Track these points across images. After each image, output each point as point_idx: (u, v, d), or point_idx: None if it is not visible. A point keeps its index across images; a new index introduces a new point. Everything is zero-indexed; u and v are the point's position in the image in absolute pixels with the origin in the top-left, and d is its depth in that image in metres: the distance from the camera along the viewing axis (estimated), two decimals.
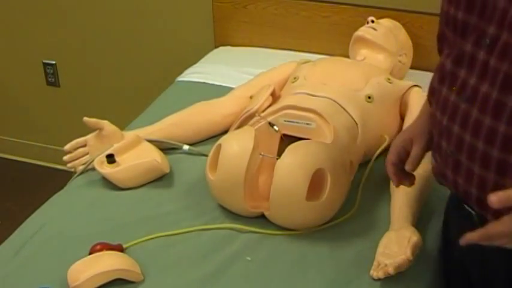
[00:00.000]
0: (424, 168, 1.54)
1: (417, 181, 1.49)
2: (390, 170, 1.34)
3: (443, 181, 1.20)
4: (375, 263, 1.32)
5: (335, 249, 1.40)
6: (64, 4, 2.64)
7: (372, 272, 1.31)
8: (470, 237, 1.00)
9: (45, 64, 2.82)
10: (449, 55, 1.13)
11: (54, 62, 2.81)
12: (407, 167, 1.32)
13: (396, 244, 1.32)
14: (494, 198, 0.93)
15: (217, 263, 1.36)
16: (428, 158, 1.55)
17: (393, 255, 1.30)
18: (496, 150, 1.04)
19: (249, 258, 1.38)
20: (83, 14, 2.64)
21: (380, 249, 1.33)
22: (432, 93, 1.20)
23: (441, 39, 1.20)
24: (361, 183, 1.57)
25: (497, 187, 1.03)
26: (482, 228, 0.99)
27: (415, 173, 1.51)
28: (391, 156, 1.34)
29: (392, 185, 1.53)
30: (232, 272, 1.34)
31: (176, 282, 1.32)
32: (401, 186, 1.48)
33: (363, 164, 1.63)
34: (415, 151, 1.32)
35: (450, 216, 1.33)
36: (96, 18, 2.63)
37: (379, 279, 1.30)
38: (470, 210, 1.16)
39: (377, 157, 1.62)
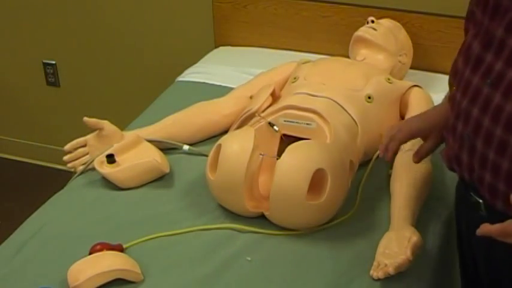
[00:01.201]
0: (424, 168, 1.54)
1: (417, 181, 1.50)
2: (393, 147, 1.33)
3: (455, 166, 1.19)
4: (375, 263, 1.32)
5: (335, 249, 1.40)
6: (64, 4, 2.64)
7: (371, 272, 1.31)
8: (487, 229, 0.99)
9: (45, 64, 2.82)
10: (476, 36, 1.12)
11: (54, 62, 2.80)
12: (415, 159, 1.35)
13: (396, 244, 1.32)
14: None
15: (217, 263, 1.36)
16: (427, 158, 1.56)
17: (393, 255, 1.30)
18: None
19: (249, 259, 1.38)
20: (82, 14, 2.64)
21: (380, 249, 1.33)
22: (455, 74, 1.18)
23: (469, 18, 1.18)
24: (361, 183, 1.57)
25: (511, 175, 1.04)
26: (502, 223, 0.98)
27: (415, 174, 1.51)
28: (401, 137, 1.32)
29: (392, 185, 1.53)
30: (232, 272, 1.34)
31: (176, 282, 1.32)
32: (402, 187, 1.49)
33: (363, 164, 1.63)
34: (429, 146, 1.34)
35: (459, 208, 1.34)
36: (96, 18, 2.62)
37: (379, 280, 1.30)
38: (477, 199, 1.15)
39: (377, 157, 1.62)
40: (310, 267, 1.35)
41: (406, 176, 1.53)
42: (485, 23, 1.09)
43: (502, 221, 1.00)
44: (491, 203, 1.12)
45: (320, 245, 1.41)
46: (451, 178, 1.49)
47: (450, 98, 1.20)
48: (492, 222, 0.99)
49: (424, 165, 1.55)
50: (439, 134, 1.31)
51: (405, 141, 1.34)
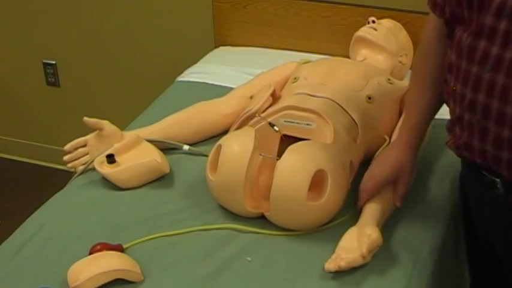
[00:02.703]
0: None
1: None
2: (365, 197, 1.44)
3: (465, 152, 1.23)
4: (333, 256, 1.33)
5: (335, 249, 1.40)
6: (64, 4, 2.64)
7: (326, 264, 1.32)
8: None
9: (45, 64, 2.82)
10: (466, 30, 1.16)
11: (54, 62, 2.80)
12: (398, 204, 1.44)
13: (356, 240, 1.34)
14: None
15: (217, 264, 1.36)
16: None
17: (351, 250, 1.32)
18: None
19: (249, 259, 1.38)
20: (83, 14, 2.64)
21: (341, 243, 1.35)
22: (450, 69, 1.22)
23: (452, 21, 1.23)
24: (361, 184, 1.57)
25: None
26: None
27: None
28: (372, 190, 1.43)
29: None
30: (232, 272, 1.34)
31: (176, 283, 1.32)
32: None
33: (363, 165, 1.63)
34: (402, 189, 1.44)
35: (467, 191, 1.38)
36: (96, 18, 2.62)
37: (335, 272, 1.32)
38: (494, 178, 1.20)
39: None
40: (310, 268, 1.35)
41: None
42: (474, 18, 1.13)
43: None
44: (508, 181, 1.17)
45: (320, 246, 1.41)
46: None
47: (449, 95, 1.24)
48: (510, 200, 1.07)
49: None
50: (408, 177, 1.43)
51: (375, 193, 1.44)
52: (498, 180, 1.20)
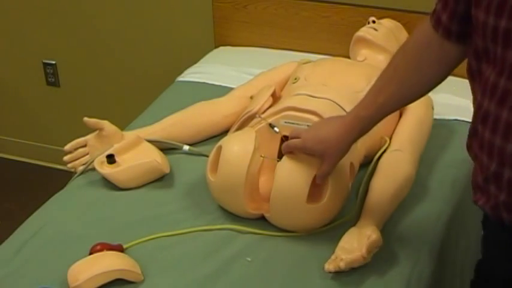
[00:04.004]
0: (406, 171, 1.54)
1: (396, 183, 1.50)
2: (286, 151, 1.39)
3: (505, 213, 1.09)
4: (332, 256, 1.33)
5: (335, 250, 1.40)
6: (64, 4, 2.64)
7: (326, 264, 1.32)
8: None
9: (45, 64, 2.82)
10: (495, 69, 1.04)
11: (54, 62, 2.80)
12: (318, 181, 1.37)
13: (356, 240, 1.33)
14: None
15: (217, 264, 1.36)
16: (408, 159, 1.57)
17: (351, 250, 1.32)
18: None
19: (249, 259, 1.38)
20: (83, 14, 2.64)
21: (341, 243, 1.35)
22: (484, 119, 1.07)
23: (482, 57, 1.08)
24: (361, 185, 1.57)
25: None
26: None
27: (395, 175, 1.51)
28: (294, 149, 1.38)
29: (372, 181, 1.54)
30: (232, 272, 1.34)
31: (176, 283, 1.32)
32: (380, 185, 1.49)
33: (363, 166, 1.63)
34: (324, 168, 1.35)
35: (496, 254, 1.21)
36: (96, 18, 2.62)
37: (335, 273, 1.31)
38: None
39: (378, 159, 1.62)
40: (310, 268, 1.35)
41: (387, 175, 1.53)
42: (499, 54, 1.02)
43: None
44: None
45: (320, 246, 1.41)
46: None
47: (482, 147, 1.10)
48: None
49: (407, 168, 1.55)
50: (332, 155, 1.34)
51: (295, 151, 1.39)
52: None
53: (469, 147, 1.15)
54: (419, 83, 1.24)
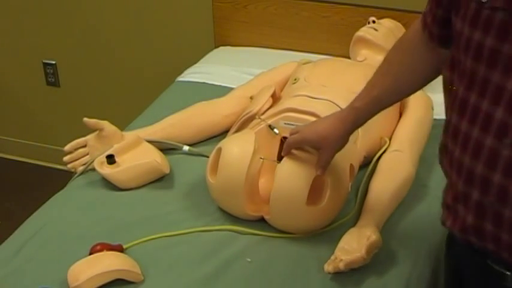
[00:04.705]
0: (406, 171, 1.54)
1: (396, 183, 1.50)
2: (286, 150, 1.39)
3: (473, 238, 1.03)
4: (332, 257, 1.33)
5: (334, 251, 1.40)
6: (64, 4, 2.64)
7: (326, 265, 1.32)
8: None
9: (45, 64, 2.82)
10: (471, 88, 0.98)
11: (54, 62, 2.80)
12: (319, 172, 1.36)
13: (356, 241, 1.33)
14: None
15: (217, 264, 1.36)
16: (408, 160, 1.57)
17: (351, 251, 1.31)
18: None
19: (249, 260, 1.38)
20: (82, 14, 2.64)
21: (340, 244, 1.34)
22: (454, 134, 1.02)
23: (455, 68, 1.03)
24: (360, 186, 1.57)
25: None
26: None
27: (395, 175, 1.51)
28: (293, 144, 1.38)
29: (372, 181, 1.54)
30: (232, 273, 1.34)
31: (176, 283, 1.32)
32: (380, 185, 1.49)
33: (363, 166, 1.63)
34: (326, 157, 1.35)
35: (467, 282, 1.14)
36: (96, 18, 2.62)
37: (334, 273, 1.31)
38: (503, 271, 1.01)
39: (377, 159, 1.62)
40: (310, 269, 1.35)
41: (386, 175, 1.53)
42: (481, 72, 0.96)
43: None
44: None
45: (320, 247, 1.41)
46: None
47: (451, 165, 1.05)
48: None
49: (406, 169, 1.55)
50: (330, 145, 1.34)
51: (296, 146, 1.39)
52: (509, 273, 1.00)
53: (440, 162, 1.11)
54: (412, 79, 1.25)
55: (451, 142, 1.03)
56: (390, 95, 1.29)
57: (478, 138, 0.96)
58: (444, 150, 1.07)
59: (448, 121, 1.05)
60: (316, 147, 1.37)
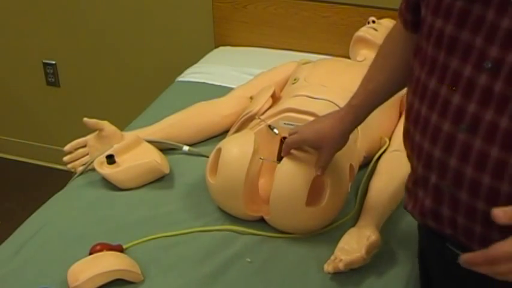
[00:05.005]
0: (405, 171, 1.54)
1: (396, 182, 1.50)
2: (286, 151, 1.38)
3: (430, 221, 1.06)
4: (332, 257, 1.33)
5: (334, 251, 1.40)
6: (64, 4, 2.64)
7: (325, 265, 1.32)
8: (471, 258, 0.87)
9: (45, 64, 2.82)
10: (432, 73, 1.00)
11: (54, 62, 2.80)
12: (319, 172, 1.36)
13: (356, 241, 1.33)
14: (500, 213, 0.83)
15: (217, 264, 1.36)
16: (407, 160, 1.56)
17: (351, 251, 1.32)
18: (506, 184, 0.93)
19: (249, 260, 1.38)
20: (83, 14, 2.64)
21: (340, 244, 1.35)
22: (416, 119, 1.04)
23: (417, 54, 1.07)
24: (360, 186, 1.57)
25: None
26: (486, 249, 0.86)
27: (395, 175, 1.51)
28: (292, 145, 1.37)
29: (372, 181, 1.54)
30: (232, 273, 1.34)
31: (176, 283, 1.32)
32: (379, 184, 1.49)
33: (363, 166, 1.63)
34: (325, 157, 1.34)
35: (432, 268, 1.19)
36: (96, 18, 2.62)
37: (334, 273, 1.31)
38: (460, 253, 1.02)
39: (377, 159, 1.62)
40: (309, 269, 1.35)
41: (386, 175, 1.53)
42: (441, 59, 0.98)
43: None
44: None
45: (320, 247, 1.41)
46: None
47: (412, 149, 1.07)
48: (475, 276, 0.90)
49: (406, 169, 1.55)
50: (329, 145, 1.33)
51: (295, 146, 1.39)
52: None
53: (405, 147, 1.13)
54: (406, 69, 1.21)
55: (413, 127, 1.05)
56: (387, 89, 1.29)
57: (436, 123, 0.99)
58: (406, 134, 1.09)
59: (410, 106, 1.06)
60: (316, 147, 1.37)
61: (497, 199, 0.94)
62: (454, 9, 0.95)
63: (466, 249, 0.99)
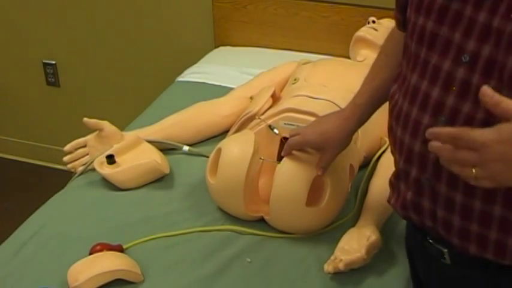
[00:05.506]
0: None
1: None
2: (288, 151, 1.38)
3: (412, 214, 1.07)
4: (332, 257, 1.33)
5: (334, 251, 1.40)
6: (64, 4, 2.64)
7: (325, 265, 1.32)
8: (437, 129, 0.85)
9: (45, 64, 2.82)
10: (414, 69, 1.02)
11: (54, 62, 2.80)
12: (320, 172, 1.36)
13: (356, 241, 1.33)
14: (488, 90, 0.80)
15: (217, 264, 1.36)
16: None
17: (351, 251, 1.32)
18: None
19: (249, 260, 1.38)
20: (82, 14, 2.64)
21: (340, 244, 1.34)
22: (398, 114, 1.06)
23: (404, 52, 1.08)
24: (360, 186, 1.57)
25: (484, 214, 0.95)
26: (462, 128, 0.85)
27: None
28: (295, 146, 1.37)
29: (371, 181, 1.54)
30: (232, 273, 1.34)
31: (176, 283, 1.32)
32: (379, 184, 1.49)
33: (363, 166, 1.63)
34: (328, 158, 1.35)
35: (414, 257, 1.21)
36: (96, 18, 2.63)
37: (334, 273, 1.31)
38: (441, 248, 1.05)
39: (377, 159, 1.62)
40: (310, 269, 1.35)
41: (386, 175, 1.52)
42: (422, 55, 1.00)
43: (467, 268, 0.96)
44: (462, 247, 1.01)
45: (320, 247, 1.41)
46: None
47: (394, 143, 1.09)
48: (457, 271, 0.91)
49: None
50: (333, 145, 1.34)
51: (298, 148, 1.39)
52: (446, 250, 1.04)
53: (390, 143, 1.14)
54: None
55: (395, 122, 1.07)
56: (390, 87, 1.28)
57: (416, 117, 1.00)
58: (390, 130, 1.10)
59: (395, 103, 1.08)
60: (319, 148, 1.37)
61: (475, 191, 0.95)
62: (435, 6, 0.97)
63: (445, 243, 1.02)
